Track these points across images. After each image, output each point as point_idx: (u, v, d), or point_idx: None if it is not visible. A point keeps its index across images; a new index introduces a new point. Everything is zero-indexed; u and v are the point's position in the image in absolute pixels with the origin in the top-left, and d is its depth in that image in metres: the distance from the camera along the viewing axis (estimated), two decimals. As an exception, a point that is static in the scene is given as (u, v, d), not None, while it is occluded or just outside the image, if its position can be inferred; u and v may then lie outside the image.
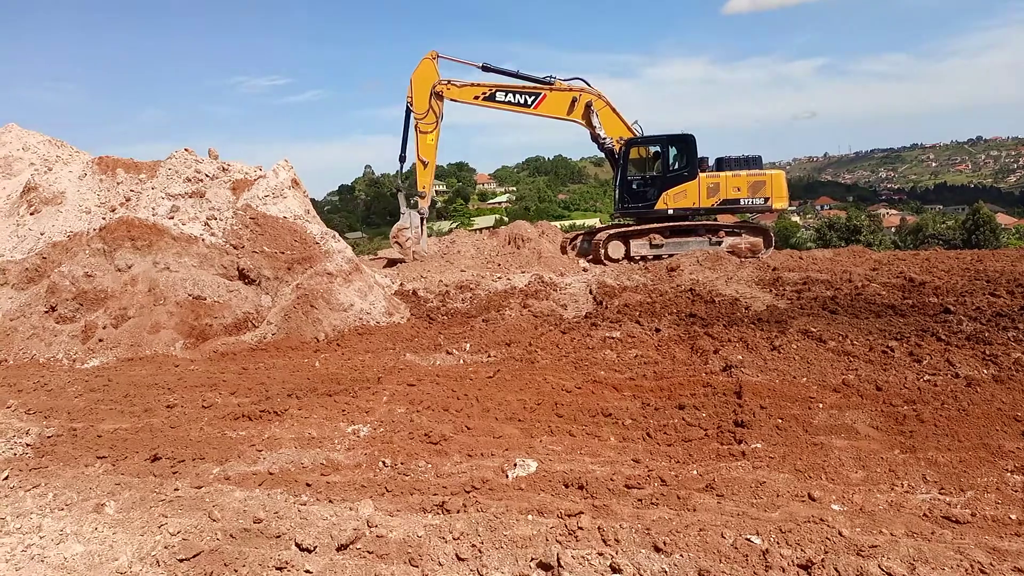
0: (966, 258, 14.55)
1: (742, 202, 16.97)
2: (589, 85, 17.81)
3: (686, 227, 17.24)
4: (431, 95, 17.02)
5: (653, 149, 17.87)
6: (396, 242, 17.71)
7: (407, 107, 17.18)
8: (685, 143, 17.39)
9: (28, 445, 5.91)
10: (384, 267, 16.95)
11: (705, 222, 17.57)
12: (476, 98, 17.41)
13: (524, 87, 17.55)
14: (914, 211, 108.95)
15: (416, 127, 17.15)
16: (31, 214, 12.07)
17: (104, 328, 9.85)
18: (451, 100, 17.39)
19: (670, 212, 17.17)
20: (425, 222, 17.93)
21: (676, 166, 17.40)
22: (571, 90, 17.66)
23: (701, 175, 17.01)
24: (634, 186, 17.61)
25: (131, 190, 12.19)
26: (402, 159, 17.75)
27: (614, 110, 17.81)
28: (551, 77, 17.62)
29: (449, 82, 17.19)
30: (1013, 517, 3.92)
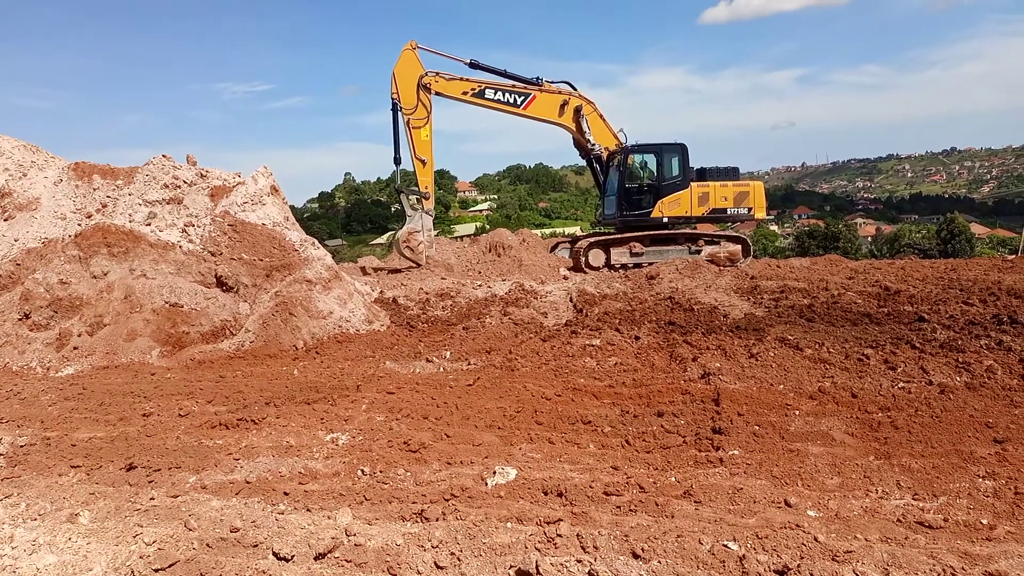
0: (940, 267, 14.81)
1: (728, 211, 17.38)
2: (576, 90, 17.79)
3: (666, 236, 17.37)
4: (418, 88, 16.16)
5: (649, 157, 17.92)
6: (407, 247, 16.52)
7: (393, 105, 16.25)
8: (679, 152, 17.54)
9: (0, 455, 5.81)
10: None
11: (685, 231, 17.70)
12: (465, 93, 16.75)
13: (514, 86, 17.11)
14: (890, 221, 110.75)
15: (407, 124, 16.32)
16: (4, 220, 11.87)
17: (79, 336, 9.71)
18: (438, 94, 16.55)
19: (665, 220, 17.31)
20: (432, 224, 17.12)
21: (670, 175, 17.52)
22: (560, 93, 17.60)
23: (692, 184, 17.20)
24: (633, 195, 17.59)
25: (107, 196, 12.02)
26: (397, 161, 16.54)
27: (602, 117, 17.84)
28: (539, 79, 17.32)
29: (437, 74, 16.50)
30: (984, 522, 3.99)
